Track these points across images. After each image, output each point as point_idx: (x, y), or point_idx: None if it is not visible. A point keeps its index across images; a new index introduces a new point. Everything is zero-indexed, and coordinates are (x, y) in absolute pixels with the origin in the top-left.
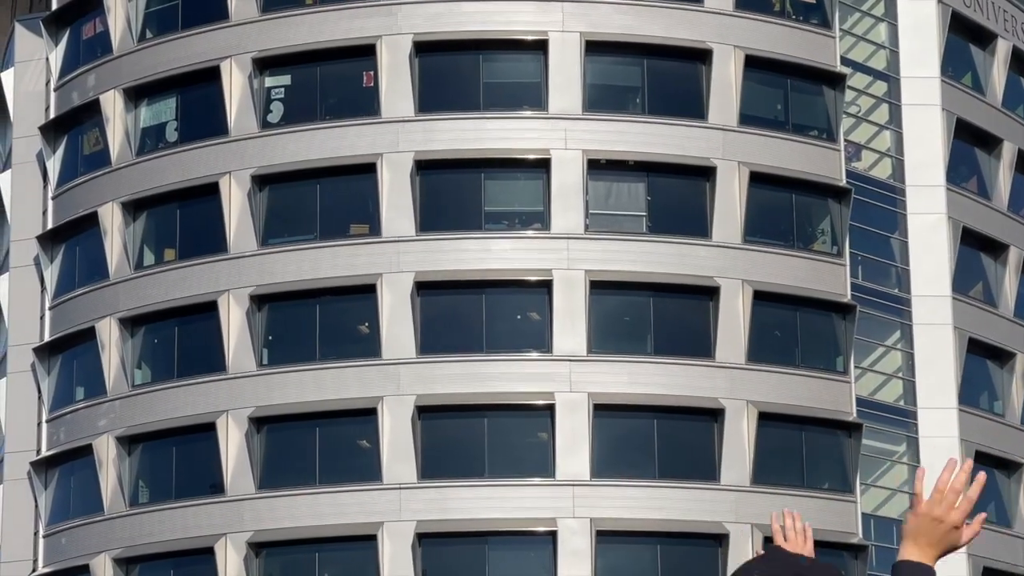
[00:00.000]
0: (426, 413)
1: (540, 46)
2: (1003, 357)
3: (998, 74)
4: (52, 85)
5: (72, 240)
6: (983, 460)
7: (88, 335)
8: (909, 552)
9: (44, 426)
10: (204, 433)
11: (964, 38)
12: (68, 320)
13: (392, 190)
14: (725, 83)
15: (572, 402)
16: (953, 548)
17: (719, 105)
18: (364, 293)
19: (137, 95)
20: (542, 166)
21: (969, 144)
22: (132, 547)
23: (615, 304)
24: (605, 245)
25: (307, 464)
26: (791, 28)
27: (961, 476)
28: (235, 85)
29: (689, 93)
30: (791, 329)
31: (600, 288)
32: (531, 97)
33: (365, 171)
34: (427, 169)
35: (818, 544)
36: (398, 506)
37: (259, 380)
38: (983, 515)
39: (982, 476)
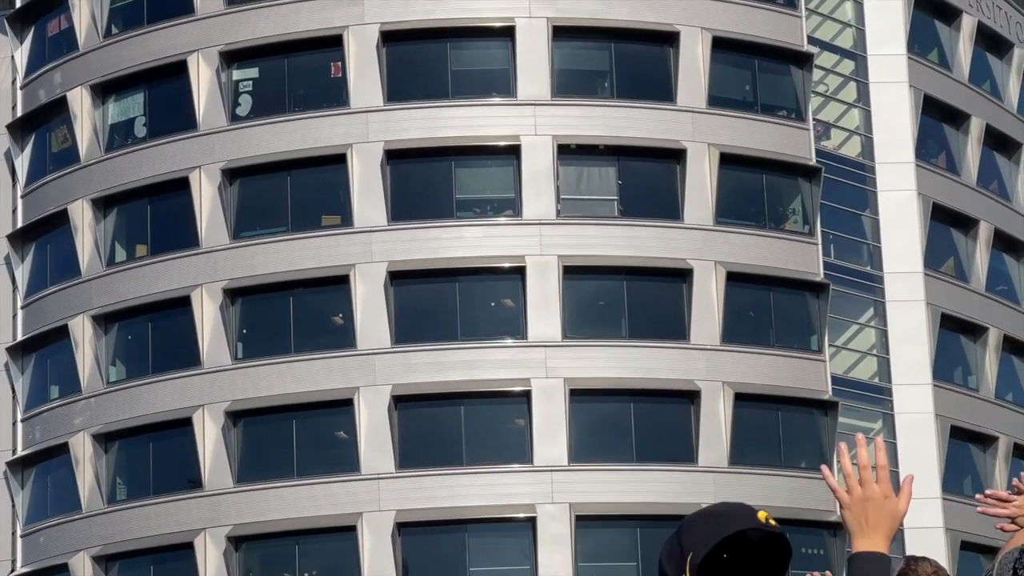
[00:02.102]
0: (402, 402)
1: (507, 32)
2: (976, 331)
3: (964, 50)
4: (18, 83)
5: (43, 238)
6: (959, 435)
7: (61, 333)
8: (859, 544)
9: (19, 425)
10: (181, 428)
11: (929, 14)
12: (41, 319)
13: (363, 180)
14: (693, 65)
15: (548, 388)
16: (897, 520)
17: (687, 87)
18: (337, 284)
19: (104, 91)
20: (512, 152)
21: (937, 120)
22: (111, 544)
23: (589, 289)
24: (577, 230)
25: (285, 457)
26: (757, 8)
27: (861, 451)
28: (203, 79)
29: (657, 76)
30: (765, 309)
31: (573, 273)
32: (499, 84)
33: (335, 162)
34: (397, 158)
35: (796, 522)
36: (377, 496)
37: (234, 374)
38: (911, 476)
39: (879, 440)
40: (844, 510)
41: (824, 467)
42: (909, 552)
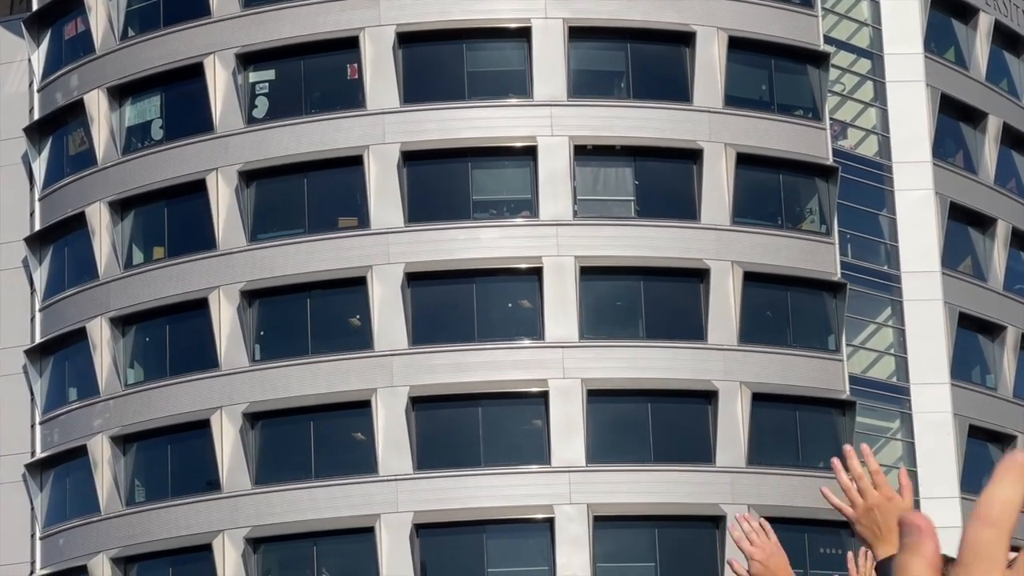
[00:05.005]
0: (420, 404)
1: (523, 33)
2: (994, 330)
3: (981, 48)
4: (35, 86)
5: (60, 241)
6: (977, 434)
7: (79, 336)
8: (881, 552)
9: (38, 428)
10: (198, 430)
11: (946, 13)
12: (59, 321)
13: (379, 182)
14: (709, 65)
15: (566, 388)
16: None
17: (704, 87)
18: (354, 286)
19: (121, 94)
20: (529, 153)
21: (954, 119)
22: (130, 546)
23: (606, 289)
24: (594, 231)
25: (302, 458)
26: (774, 8)
27: (854, 462)
28: (219, 81)
29: (673, 76)
30: (782, 309)
31: (590, 274)
32: (516, 85)
33: (352, 163)
34: (414, 160)
35: (814, 522)
36: (395, 497)
37: (252, 376)
38: (903, 469)
39: (865, 447)
40: (855, 525)
41: (824, 489)
42: None
